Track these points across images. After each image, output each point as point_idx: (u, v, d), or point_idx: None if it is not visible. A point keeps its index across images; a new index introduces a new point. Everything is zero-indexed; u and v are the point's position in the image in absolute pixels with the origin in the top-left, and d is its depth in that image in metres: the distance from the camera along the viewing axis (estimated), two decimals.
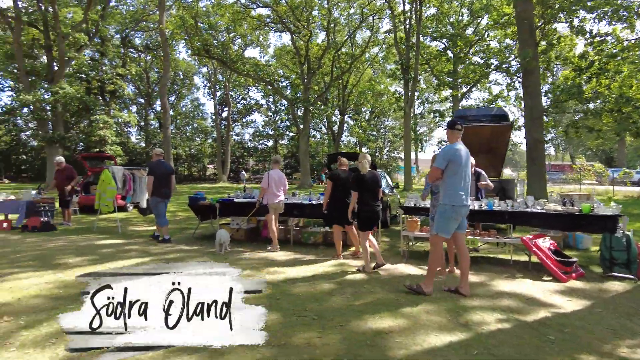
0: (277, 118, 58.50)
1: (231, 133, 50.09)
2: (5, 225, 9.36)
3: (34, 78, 28.03)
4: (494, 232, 6.65)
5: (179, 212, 13.46)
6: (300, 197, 8.11)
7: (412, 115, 31.61)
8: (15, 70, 35.03)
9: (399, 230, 9.68)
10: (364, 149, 53.93)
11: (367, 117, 51.90)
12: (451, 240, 4.87)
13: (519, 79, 18.69)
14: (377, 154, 62.34)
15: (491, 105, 25.34)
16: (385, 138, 60.76)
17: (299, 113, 36.52)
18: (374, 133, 53.74)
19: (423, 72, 34.33)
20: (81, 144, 42.94)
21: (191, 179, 50.47)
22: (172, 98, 52.24)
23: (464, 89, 32.22)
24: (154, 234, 8.14)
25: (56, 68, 25.91)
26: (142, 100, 47.33)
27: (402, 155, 57.38)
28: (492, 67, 18.81)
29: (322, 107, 37.14)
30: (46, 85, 25.38)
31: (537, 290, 4.84)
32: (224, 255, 6.55)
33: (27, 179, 42.50)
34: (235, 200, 8.09)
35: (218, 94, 48.90)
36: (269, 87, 50.42)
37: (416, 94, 33.37)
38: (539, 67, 14.39)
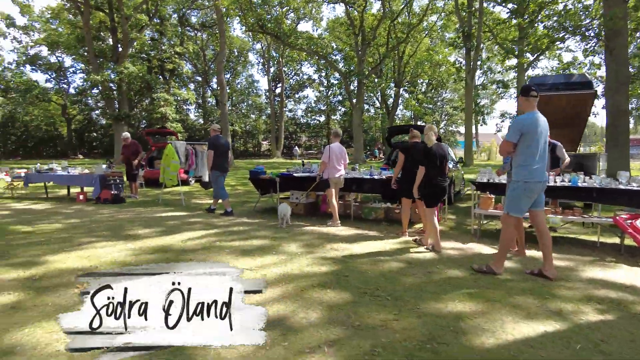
0: (329, 93, 57.94)
1: (284, 109, 50.30)
2: (81, 197, 9.97)
3: (101, 60, 29.59)
4: (578, 210, 5.99)
5: (238, 186, 13.70)
6: (361, 172, 7.80)
7: (473, 86, 29.70)
8: (86, 53, 37.27)
9: (464, 207, 9.18)
10: (419, 123, 52.17)
11: (423, 90, 49.87)
12: (521, 220, 4.45)
13: (598, 43, 16.79)
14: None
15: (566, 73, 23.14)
16: (442, 111, 58.24)
17: (352, 87, 35.74)
18: (431, 106, 51.55)
19: (486, 41, 32.00)
20: (144, 121, 45.33)
21: (247, 154, 51.68)
22: (228, 75, 53.21)
23: (531, 58, 29.70)
24: (210, 207, 8.26)
25: (120, 49, 27.09)
26: (200, 78, 48.65)
27: (461, 129, 54.87)
28: (569, 29, 16.98)
29: (377, 79, 36.01)
30: (112, 66, 26.68)
31: (637, 277, 4.26)
32: (286, 229, 6.47)
33: (98, 154, 45.68)
34: (295, 174, 7.96)
35: (271, 70, 49.04)
36: (322, 60, 49.86)
37: (478, 63, 31.27)
38: (627, 28, 12.72)
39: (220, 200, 8.00)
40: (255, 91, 57.57)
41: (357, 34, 32.07)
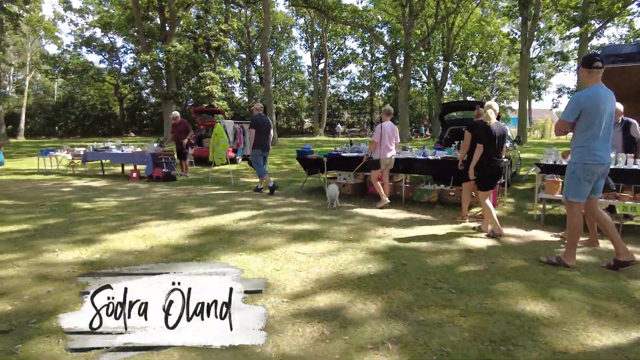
0: (373, 68, 56.49)
1: (327, 86, 49.67)
2: (134, 175, 10.32)
3: (150, 39, 30.28)
4: None
5: (283, 165, 13.70)
6: (413, 152, 7.44)
7: (529, 59, 27.72)
8: (136, 34, 38.38)
9: (522, 190, 8.60)
10: (469, 99, 49.83)
11: (472, 63, 47.40)
12: (595, 203, 4.04)
13: None
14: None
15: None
16: (493, 86, 55.32)
17: (397, 61, 34.54)
18: (481, 80, 48.98)
19: (545, 9, 29.59)
20: (191, 99, 46.47)
21: (289, 132, 51.88)
22: (271, 52, 53.07)
23: (597, 25, 27.19)
24: (257, 187, 8.25)
25: (167, 28, 27.56)
26: (244, 56, 48.87)
27: (513, 105, 51.94)
28: None
29: (424, 53, 34.50)
30: (160, 45, 27.26)
31: None
32: (335, 211, 6.31)
33: (148, 132, 47.63)
34: (343, 154, 7.74)
35: (315, 45, 48.32)
36: (367, 34, 48.47)
37: (534, 34, 29.04)
38: None
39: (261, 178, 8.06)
40: (298, 68, 57.22)
41: (404, 5, 30.70)
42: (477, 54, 45.82)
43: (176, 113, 10.85)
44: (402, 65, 31.88)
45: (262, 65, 52.90)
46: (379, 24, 39.68)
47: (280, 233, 4.92)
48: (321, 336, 2.56)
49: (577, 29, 26.07)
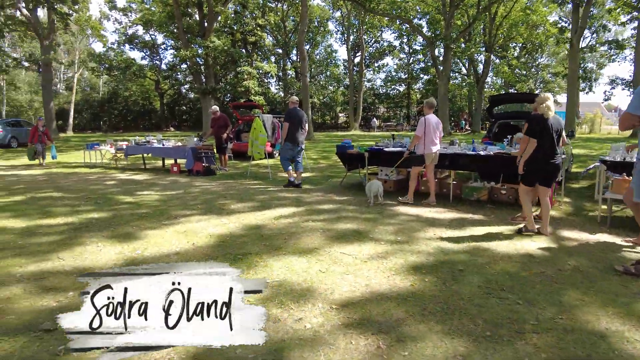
0: (410, 61, 55.21)
1: (363, 79, 48.97)
2: (175, 169, 10.43)
3: (189, 35, 30.85)
4: None
5: (320, 160, 13.51)
6: (461, 147, 7.01)
7: (579, 48, 26.08)
8: (175, 30, 39.29)
9: (578, 188, 7.97)
10: (511, 91, 47.75)
11: (515, 54, 45.30)
12: None
13: None
14: None
15: None
16: (537, 78, 52.82)
17: (437, 54, 33.52)
18: (524, 72, 46.77)
19: None
20: (228, 95, 47.17)
21: (324, 127, 51.75)
22: (307, 46, 52.92)
23: None
24: (295, 182, 8.09)
25: (206, 24, 27.94)
26: (280, 51, 48.98)
27: (559, 98, 49.33)
28: None
29: (465, 44, 33.23)
30: (199, 41, 27.70)
31: None
32: (378, 208, 6.03)
33: (187, 127, 48.83)
34: (385, 149, 7.42)
35: (351, 38, 47.74)
36: (406, 25, 47.31)
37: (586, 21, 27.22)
38: None
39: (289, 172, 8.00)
40: (333, 62, 56.81)
41: None
42: (521, 45, 43.76)
43: (216, 107, 10.87)
44: (441, 58, 30.89)
45: (298, 59, 53.03)
46: (418, 15, 38.51)
47: (322, 232, 4.71)
48: (377, 350, 2.32)
49: (635, 14, 24.26)
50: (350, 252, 3.98)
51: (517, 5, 35.24)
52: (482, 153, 6.41)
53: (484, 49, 37.33)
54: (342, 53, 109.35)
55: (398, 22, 50.69)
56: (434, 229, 4.90)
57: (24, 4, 25.40)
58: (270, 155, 12.07)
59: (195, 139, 10.48)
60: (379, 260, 3.79)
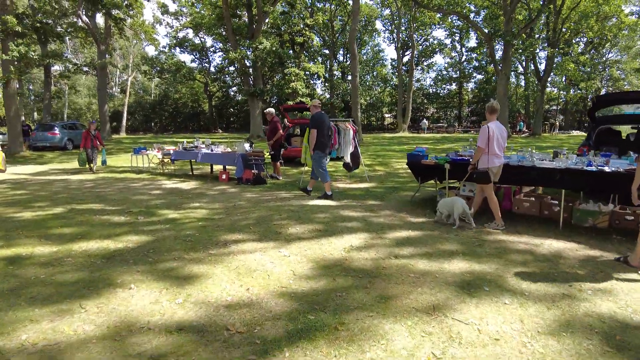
0: (463, 59, 52.57)
1: (412, 79, 47.04)
2: (224, 176, 9.66)
3: (238, 37, 30.66)
4: None
5: (376, 167, 12.33)
6: (567, 160, 5.57)
7: None
8: (224, 32, 39.49)
9: None
10: (572, 92, 44.07)
11: (580, 50, 41.65)
12: None
13: None
14: (589, 97, 50.53)
15: None
16: (603, 76, 48.51)
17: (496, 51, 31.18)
18: (588, 70, 42.92)
19: None
20: (275, 97, 46.95)
21: (370, 128, 50.36)
22: (355, 46, 51.75)
23: None
24: (307, 188, 7.58)
25: (255, 25, 27.54)
26: (327, 52, 48.15)
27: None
28: None
29: (526, 40, 30.68)
30: (247, 42, 27.33)
31: None
32: (472, 236, 4.80)
33: (234, 129, 49.16)
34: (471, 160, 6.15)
35: (400, 37, 46.08)
36: (459, 22, 45.06)
37: None
38: None
39: (319, 182, 7.42)
40: (381, 62, 55.34)
41: None
42: (586, 39, 40.13)
43: (271, 110, 10.03)
44: (501, 55, 28.65)
45: (345, 60, 51.95)
46: (473, 11, 36.31)
47: (416, 277, 3.56)
48: None
49: None
50: (470, 319, 2.82)
51: None
52: (607, 170, 4.99)
53: (546, 44, 34.46)
54: (389, 52, 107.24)
55: (450, 19, 48.62)
56: (567, 272, 3.62)
57: (84, 11, 26.15)
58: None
59: (247, 144, 9.66)
60: (528, 336, 2.60)
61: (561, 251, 4.27)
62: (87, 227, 5.31)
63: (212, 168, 11.34)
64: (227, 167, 10.06)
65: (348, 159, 9.33)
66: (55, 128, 20.36)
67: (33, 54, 17.27)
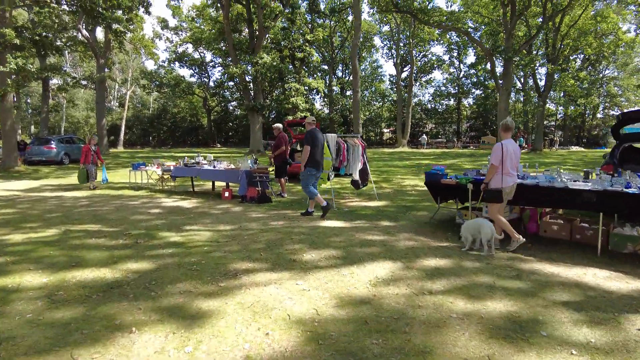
0: (460, 75, 52.85)
1: (412, 94, 47.07)
2: (226, 194, 9.24)
3: (238, 52, 30.57)
4: None
5: (382, 184, 11.94)
6: (611, 182, 5.18)
7: None
8: (224, 48, 39.46)
9: None
10: (571, 108, 44.15)
11: (576, 66, 41.89)
12: None
13: None
14: (587, 113, 50.75)
15: None
16: (600, 92, 48.71)
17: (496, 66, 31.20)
18: (585, 86, 43.11)
19: None
20: (273, 112, 46.78)
21: (369, 143, 50.13)
22: (356, 62, 51.96)
23: None
24: (308, 210, 7.32)
25: (255, 40, 27.47)
26: (326, 67, 48.25)
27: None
28: None
29: (527, 56, 30.74)
30: (248, 57, 27.20)
31: None
32: (501, 262, 4.38)
33: (232, 143, 48.87)
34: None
35: (399, 53, 46.31)
36: (462, 37, 45.35)
37: None
38: None
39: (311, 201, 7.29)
40: (379, 77, 55.63)
41: (505, 5, 27.68)
42: (583, 56, 40.37)
43: (278, 125, 9.68)
44: (501, 71, 28.63)
45: (344, 75, 52.07)
46: (472, 27, 36.52)
47: (463, 319, 3.09)
48: None
49: None
50: None
51: (586, 13, 32.42)
52: (635, 191, 4.60)
53: (545, 60, 34.59)
54: (387, 68, 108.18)
55: (449, 36, 49.00)
56: (628, 311, 3.20)
57: (84, 25, 25.99)
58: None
59: (249, 160, 9.26)
60: None
61: (610, 283, 3.85)
62: (82, 252, 4.86)
63: (214, 185, 10.92)
64: (230, 184, 9.65)
65: (357, 176, 8.94)
66: (52, 142, 19.92)
67: (31, 66, 16.92)
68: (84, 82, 32.29)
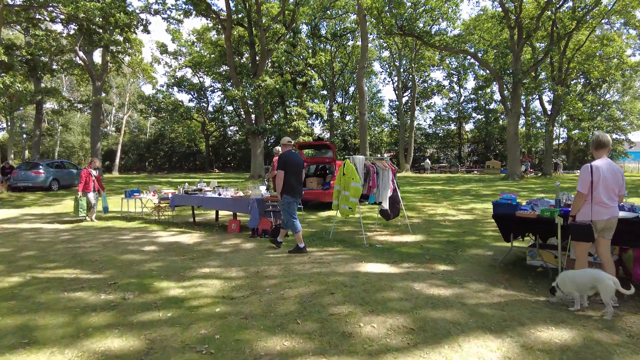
0: (461, 100, 52.47)
1: (414, 119, 46.39)
2: (234, 226, 7.87)
3: (240, 75, 29.76)
4: None
5: (408, 213, 10.60)
6: None
7: None
8: (224, 72, 38.76)
9: None
10: (575, 132, 43.47)
11: (577, 90, 41.46)
12: None
13: None
14: (590, 137, 50.11)
15: None
16: (604, 116, 48.23)
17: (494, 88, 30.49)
18: (586, 109, 42.54)
19: None
20: (272, 136, 45.77)
21: None
22: (352, 88, 51.74)
23: None
24: (277, 239, 6.48)
25: (258, 62, 26.69)
26: (325, 92, 47.71)
27: (633, 137, 44.48)
28: None
29: (535, 80, 30.12)
30: (251, 79, 26.32)
31: None
32: (628, 331, 3.03)
33: (231, 168, 47.60)
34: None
35: (400, 77, 45.95)
36: (464, 62, 45.22)
37: None
38: None
39: (290, 233, 6.51)
40: (379, 102, 55.31)
41: (512, 27, 27.18)
42: (584, 80, 39.94)
43: (277, 149, 8.45)
44: (510, 94, 27.89)
45: (344, 100, 51.54)
46: (480, 49, 36.14)
47: None
48: None
49: None
50: None
51: (591, 37, 32.07)
52: None
53: (552, 82, 34.03)
54: (385, 92, 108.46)
55: (448, 61, 48.86)
56: None
57: (79, 47, 25.11)
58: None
59: (263, 187, 7.94)
60: None
61: None
62: (44, 317, 3.47)
63: (217, 214, 9.55)
64: (237, 213, 8.31)
65: (386, 205, 7.61)
66: (40, 167, 18.50)
67: (19, 86, 15.76)
68: (79, 106, 31.24)
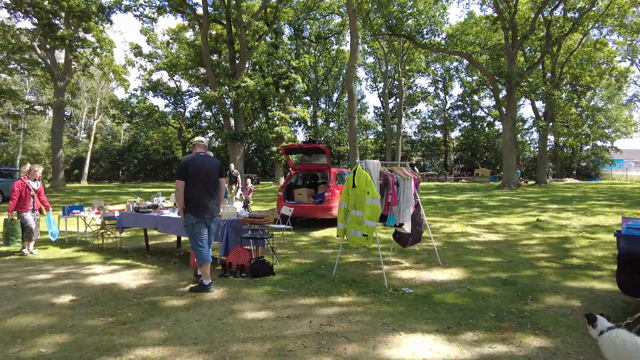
0: (447, 107, 51.44)
1: (401, 126, 44.90)
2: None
3: (218, 76, 27.58)
4: None
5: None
6: None
7: None
8: (201, 76, 36.42)
9: None
10: (565, 139, 42.71)
11: (563, 96, 40.78)
12: None
13: None
14: (578, 144, 49.61)
15: None
16: (592, 122, 47.77)
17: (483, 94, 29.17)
18: (573, 116, 41.81)
19: None
20: (254, 144, 43.44)
21: None
22: (336, 95, 50.15)
23: None
24: (197, 272, 4.92)
25: (238, 62, 24.59)
26: (308, 98, 45.86)
27: (618, 144, 44.01)
28: None
29: (531, 83, 28.89)
30: (228, 80, 24.22)
31: None
32: None
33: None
34: None
35: (384, 83, 44.52)
36: (450, 68, 44.16)
37: None
38: None
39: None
40: (362, 108, 53.88)
41: (507, 28, 25.90)
42: (569, 87, 39.21)
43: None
44: (506, 97, 26.55)
45: (327, 107, 49.77)
46: (473, 52, 34.85)
47: None
48: None
49: None
50: None
51: (586, 38, 31.18)
52: None
53: (548, 86, 32.99)
54: (369, 99, 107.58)
55: (433, 67, 47.82)
56: None
57: (37, 43, 22.53)
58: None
59: (239, 204, 5.80)
60: None
61: None
62: None
63: (179, 240, 7.34)
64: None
65: (408, 228, 5.60)
66: None
67: None
68: (39, 108, 28.38)
